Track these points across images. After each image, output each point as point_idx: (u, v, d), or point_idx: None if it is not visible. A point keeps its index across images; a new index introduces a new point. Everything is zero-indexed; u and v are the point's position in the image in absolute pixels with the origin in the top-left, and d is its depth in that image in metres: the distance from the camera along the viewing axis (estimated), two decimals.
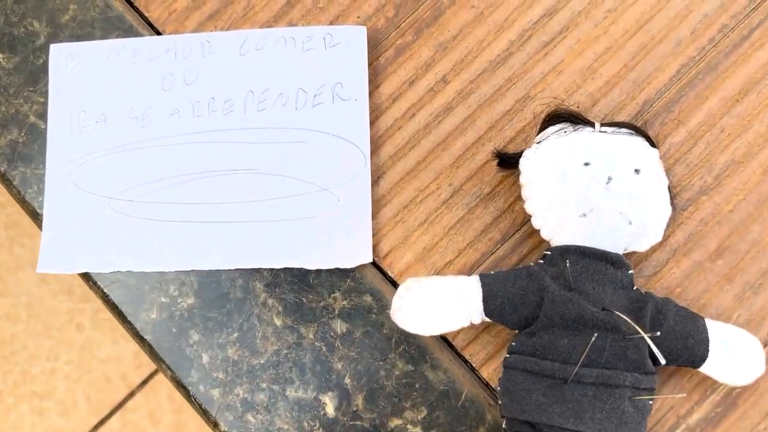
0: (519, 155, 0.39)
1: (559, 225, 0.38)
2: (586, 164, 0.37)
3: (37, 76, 0.46)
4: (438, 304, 0.37)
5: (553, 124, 0.39)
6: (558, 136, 0.39)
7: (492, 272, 0.38)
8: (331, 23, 0.45)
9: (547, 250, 0.38)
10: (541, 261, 0.38)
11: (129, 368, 0.92)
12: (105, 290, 0.43)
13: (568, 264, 0.37)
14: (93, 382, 0.92)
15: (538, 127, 0.40)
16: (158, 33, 0.46)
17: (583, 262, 0.37)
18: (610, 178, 0.37)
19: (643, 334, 0.35)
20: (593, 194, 0.37)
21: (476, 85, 0.43)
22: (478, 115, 0.43)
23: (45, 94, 0.45)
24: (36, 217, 0.45)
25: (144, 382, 0.93)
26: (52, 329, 0.94)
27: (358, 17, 0.45)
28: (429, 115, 0.43)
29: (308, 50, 0.44)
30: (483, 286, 0.37)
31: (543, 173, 0.38)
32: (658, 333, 0.35)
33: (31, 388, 0.92)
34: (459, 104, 0.43)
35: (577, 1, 0.44)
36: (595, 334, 0.35)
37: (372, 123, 0.43)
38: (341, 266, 0.41)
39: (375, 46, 0.44)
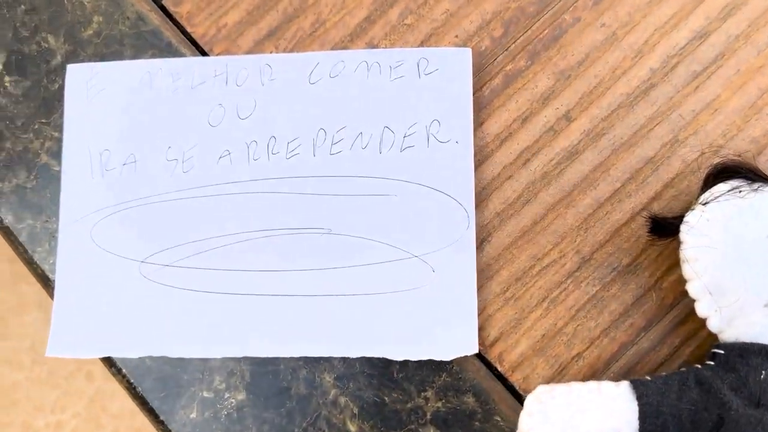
0: (679, 220, 0.31)
1: (735, 315, 0.30)
2: None
3: (51, 104, 0.37)
4: (580, 422, 0.29)
5: (723, 180, 0.31)
6: (731, 197, 0.30)
7: (648, 378, 0.30)
8: (421, 44, 0.36)
9: (715, 347, 0.30)
10: (711, 363, 0.30)
11: (144, 424, 0.86)
12: (131, 380, 0.34)
13: (763, 374, 0.28)
14: None
15: (701, 183, 0.31)
16: (204, 54, 0.37)
17: None
18: None
19: None
20: None
21: (609, 123, 0.35)
22: (612, 163, 0.34)
23: (60, 127, 0.37)
24: (47, 283, 0.36)
25: None
26: (59, 378, 0.88)
27: (457, 37, 0.36)
28: (548, 162, 0.35)
29: (397, 78, 0.35)
30: (639, 398, 0.29)
31: (715, 246, 0.30)
32: None
33: None
34: (587, 148, 0.34)
35: (734, 22, 0.35)
36: None
37: (475, 170, 0.34)
38: (436, 357, 0.33)
39: (478, 73, 0.35)
